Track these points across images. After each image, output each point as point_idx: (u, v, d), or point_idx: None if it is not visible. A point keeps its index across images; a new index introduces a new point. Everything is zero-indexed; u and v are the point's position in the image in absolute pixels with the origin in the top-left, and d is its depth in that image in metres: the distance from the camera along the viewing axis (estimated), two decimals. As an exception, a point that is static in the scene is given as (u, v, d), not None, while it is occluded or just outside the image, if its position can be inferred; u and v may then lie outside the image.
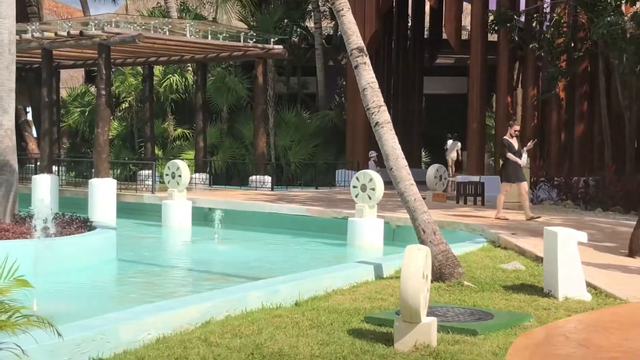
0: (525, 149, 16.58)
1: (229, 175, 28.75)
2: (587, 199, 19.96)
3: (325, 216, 17.75)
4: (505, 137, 16.60)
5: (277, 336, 7.15)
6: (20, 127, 33.03)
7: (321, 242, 16.42)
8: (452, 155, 31.23)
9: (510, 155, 16.20)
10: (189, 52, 25.85)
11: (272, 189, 24.43)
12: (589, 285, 9.47)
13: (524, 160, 16.46)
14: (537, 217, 16.05)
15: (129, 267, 13.34)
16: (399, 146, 10.74)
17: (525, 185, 16.57)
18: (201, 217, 19.35)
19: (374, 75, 10.98)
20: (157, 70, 30.71)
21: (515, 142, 16.36)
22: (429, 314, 7.20)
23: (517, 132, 16.69)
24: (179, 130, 32.02)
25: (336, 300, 8.90)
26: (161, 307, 7.84)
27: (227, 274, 12.57)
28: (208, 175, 26.67)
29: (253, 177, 25.30)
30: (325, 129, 31.05)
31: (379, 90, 10.95)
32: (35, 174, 24.12)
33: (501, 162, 16.57)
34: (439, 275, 10.03)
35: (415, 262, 6.83)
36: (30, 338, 5.75)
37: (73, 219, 14.18)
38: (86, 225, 14.10)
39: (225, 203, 19.56)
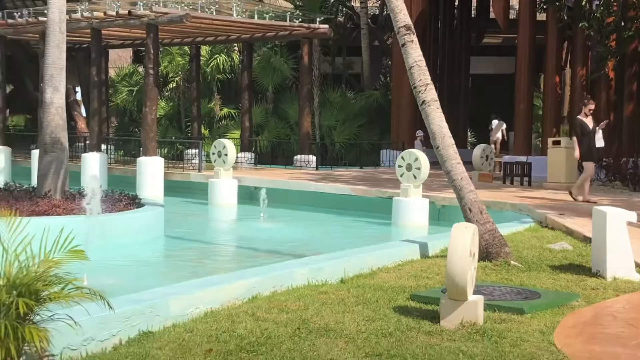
0: (598, 128, 16.20)
1: (273, 154, 28.84)
2: (636, 180, 19.66)
3: (369, 195, 17.75)
4: (579, 116, 15.97)
5: (323, 312, 7.20)
6: (70, 107, 33.45)
7: (365, 221, 16.44)
8: (497, 136, 30.96)
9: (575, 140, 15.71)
10: (236, 32, 25.94)
11: (317, 169, 24.49)
12: (637, 265, 9.37)
13: (599, 139, 15.90)
14: (593, 202, 15.36)
15: (176, 244, 13.51)
16: (445, 125, 10.69)
17: (592, 167, 15.90)
18: (247, 195, 19.49)
19: (421, 53, 10.93)
20: (204, 50, 30.86)
21: (589, 122, 15.63)
22: (476, 292, 7.20)
23: (591, 111, 15.75)
24: (225, 110, 32.17)
25: (381, 278, 8.93)
26: (209, 282, 7.95)
27: (272, 251, 12.66)
28: (253, 155, 26.80)
29: (298, 157, 25.38)
30: (370, 109, 30.97)
31: (426, 68, 10.90)
32: (85, 152, 24.45)
33: (576, 142, 15.87)
34: (485, 254, 10.00)
35: (463, 239, 6.82)
36: (82, 310, 5.86)
37: (122, 196, 14.38)
38: (135, 202, 14.30)
39: (270, 182, 19.66)
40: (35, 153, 21.41)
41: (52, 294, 5.58)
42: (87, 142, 25.48)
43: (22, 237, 5.76)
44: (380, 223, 15.96)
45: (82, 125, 35.06)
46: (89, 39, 24.60)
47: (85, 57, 29.40)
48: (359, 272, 9.16)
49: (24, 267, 5.62)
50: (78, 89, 37.37)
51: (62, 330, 5.76)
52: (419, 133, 24.96)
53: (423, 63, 10.87)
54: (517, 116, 24.71)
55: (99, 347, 6.11)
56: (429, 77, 10.85)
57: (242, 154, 25.64)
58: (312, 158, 25.17)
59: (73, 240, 5.84)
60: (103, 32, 24.24)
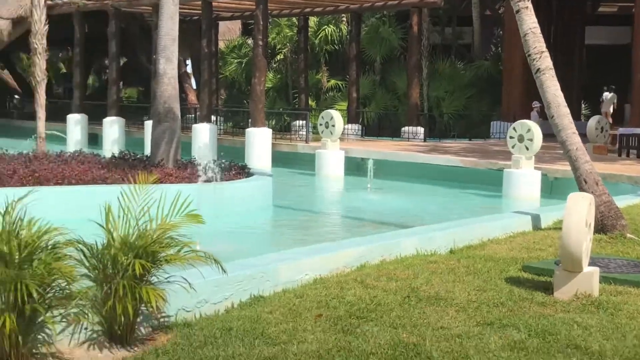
0: None
1: (380, 126, 28.74)
2: None
3: (479, 167, 17.49)
4: None
5: (433, 281, 7.14)
6: (181, 78, 34.06)
7: (475, 193, 16.22)
8: (609, 108, 29.99)
9: None
10: (344, 2, 25.87)
11: (425, 140, 24.28)
12: None
13: None
14: None
15: (284, 213, 13.65)
16: (560, 93, 10.39)
17: None
18: (353, 166, 19.49)
19: (535, 20, 10.63)
20: (312, 21, 30.92)
21: None
22: (590, 264, 7.00)
23: None
24: (333, 81, 32.21)
25: (492, 249, 8.79)
26: (318, 249, 8.00)
27: (380, 222, 12.62)
28: (360, 126, 26.78)
29: (405, 128, 25.21)
30: (480, 80, 30.45)
31: (541, 35, 10.60)
32: (195, 123, 24.93)
33: None
34: (600, 226, 9.71)
35: (579, 209, 6.63)
36: (197, 273, 5.98)
37: (232, 166, 14.61)
38: (244, 172, 14.51)
39: (377, 153, 19.60)
40: (148, 124, 22.00)
41: (168, 256, 5.71)
42: (198, 113, 25.97)
43: (140, 203, 5.91)
44: (490, 195, 15.71)
45: (192, 97, 35.74)
46: (200, 11, 25.00)
47: (196, 29, 29.91)
48: (468, 243, 9.04)
49: (141, 230, 5.77)
50: (188, 61, 38.07)
51: (177, 292, 5.89)
52: (536, 104, 24.42)
53: (538, 30, 10.57)
54: (633, 88, 23.86)
55: (212, 310, 6.23)
56: (544, 45, 10.55)
57: (349, 125, 25.65)
58: (420, 130, 24.96)
59: (189, 205, 5.96)
60: (213, 4, 24.59)
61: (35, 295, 4.86)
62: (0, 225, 5.19)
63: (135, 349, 5.48)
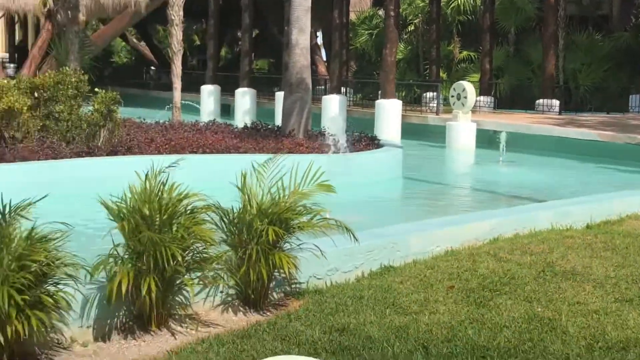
0: None
1: (513, 98, 28.07)
2: None
3: (617, 141, 16.86)
4: None
5: (569, 256, 6.95)
6: (311, 50, 34.28)
7: (612, 168, 15.66)
8: None
9: None
10: (477, -29, 25.34)
11: (560, 113, 23.58)
12: None
13: None
14: None
15: (413, 185, 13.56)
16: None
17: None
18: (485, 139, 19.15)
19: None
20: (444, -9, 30.46)
21: None
22: None
23: None
24: (465, 52, 31.67)
25: (631, 225, 8.50)
26: (450, 221, 7.93)
27: (512, 195, 12.37)
28: (492, 99, 26.25)
29: (540, 101, 24.54)
30: (619, 52, 29.24)
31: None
32: (325, 94, 25.05)
33: None
34: None
35: None
36: (328, 241, 6.03)
37: (361, 137, 14.61)
38: (374, 143, 14.49)
39: (510, 126, 19.17)
40: (279, 95, 22.26)
41: (301, 223, 5.77)
42: (327, 84, 26.06)
43: (271, 172, 5.99)
44: (629, 170, 15.13)
45: (322, 68, 35.91)
46: (332, -17, 25.00)
47: (327, 1, 29.97)
48: (606, 218, 8.76)
49: (275, 198, 5.85)
50: (319, 33, 38.23)
51: (308, 259, 5.96)
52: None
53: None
54: None
55: (342, 278, 6.27)
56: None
57: (481, 97, 25.17)
58: (555, 102, 24.25)
59: (322, 175, 5.99)
60: (345, -25, 24.54)
61: (178, 256, 5.00)
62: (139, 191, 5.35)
63: (268, 313, 5.59)
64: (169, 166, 5.35)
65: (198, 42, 47.53)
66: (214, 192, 5.87)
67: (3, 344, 4.36)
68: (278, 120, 16.49)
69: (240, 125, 15.80)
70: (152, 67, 43.20)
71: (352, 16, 34.29)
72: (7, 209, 4.61)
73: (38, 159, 10.78)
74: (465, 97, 19.23)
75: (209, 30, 30.43)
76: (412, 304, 5.62)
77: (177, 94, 16.84)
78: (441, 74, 29.51)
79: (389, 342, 4.84)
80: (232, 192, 5.95)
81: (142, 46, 45.91)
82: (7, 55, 39.31)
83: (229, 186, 6.01)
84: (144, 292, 4.92)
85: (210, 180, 8.90)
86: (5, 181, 9.44)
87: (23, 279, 4.35)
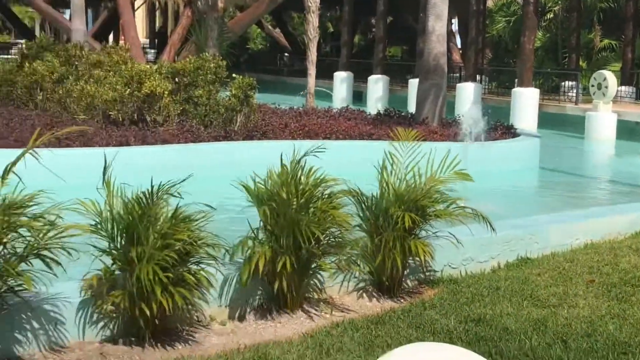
0: None
1: (657, 89, 26.91)
2: None
3: None
4: None
5: None
6: (447, 37, 33.92)
7: None
8: None
9: None
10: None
11: None
12: None
13: None
14: None
15: (551, 175, 13.24)
16: None
17: None
18: (626, 131, 18.47)
19: None
20: (586, -23, 29.51)
21: None
22: None
23: None
24: (606, 41, 30.57)
25: None
26: (590, 213, 7.71)
27: (655, 190, 11.90)
28: (634, 89, 25.24)
29: (687, 92, 23.46)
30: None
31: None
32: (459, 82, 24.72)
33: None
34: None
35: None
36: (465, 229, 5.94)
37: (497, 126, 14.35)
38: (510, 132, 14.21)
39: (653, 117, 18.42)
40: (412, 82, 22.12)
41: (437, 211, 5.72)
42: (462, 72, 25.71)
43: (407, 158, 5.94)
44: None
45: (456, 56, 35.45)
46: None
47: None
48: None
49: (411, 184, 5.81)
50: (454, 20, 37.73)
51: (444, 248, 5.90)
52: None
53: None
54: None
55: (478, 268, 6.18)
56: None
57: (623, 87, 24.21)
58: None
59: (458, 163, 5.91)
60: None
61: (320, 236, 5.04)
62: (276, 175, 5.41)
63: (402, 300, 5.57)
64: (313, 151, 5.36)
65: (332, 29, 47.77)
66: (348, 178, 5.88)
67: (149, 318, 4.52)
68: (411, 108, 16.41)
69: (373, 112, 15.79)
70: (286, 54, 43.73)
71: (490, 3, 33.70)
72: (154, 190, 4.74)
73: (178, 142, 11.10)
74: (606, 87, 18.58)
75: (344, 17, 30.55)
76: (550, 296, 5.49)
77: (311, 80, 17.00)
78: (580, 62, 28.62)
79: (526, 334, 4.74)
80: (364, 178, 5.93)
81: (277, 33, 46.50)
82: (147, 41, 40.65)
83: (361, 172, 6.01)
84: (279, 267, 4.97)
85: (345, 166, 8.91)
86: (148, 162, 9.79)
87: (167, 257, 4.48)
